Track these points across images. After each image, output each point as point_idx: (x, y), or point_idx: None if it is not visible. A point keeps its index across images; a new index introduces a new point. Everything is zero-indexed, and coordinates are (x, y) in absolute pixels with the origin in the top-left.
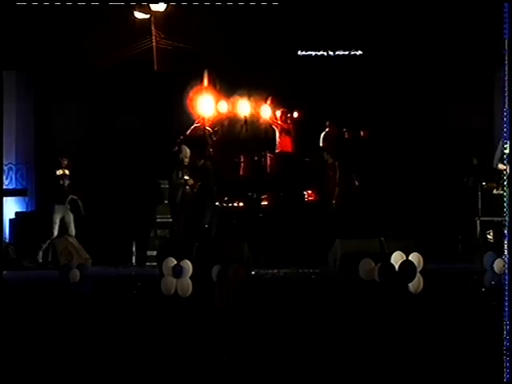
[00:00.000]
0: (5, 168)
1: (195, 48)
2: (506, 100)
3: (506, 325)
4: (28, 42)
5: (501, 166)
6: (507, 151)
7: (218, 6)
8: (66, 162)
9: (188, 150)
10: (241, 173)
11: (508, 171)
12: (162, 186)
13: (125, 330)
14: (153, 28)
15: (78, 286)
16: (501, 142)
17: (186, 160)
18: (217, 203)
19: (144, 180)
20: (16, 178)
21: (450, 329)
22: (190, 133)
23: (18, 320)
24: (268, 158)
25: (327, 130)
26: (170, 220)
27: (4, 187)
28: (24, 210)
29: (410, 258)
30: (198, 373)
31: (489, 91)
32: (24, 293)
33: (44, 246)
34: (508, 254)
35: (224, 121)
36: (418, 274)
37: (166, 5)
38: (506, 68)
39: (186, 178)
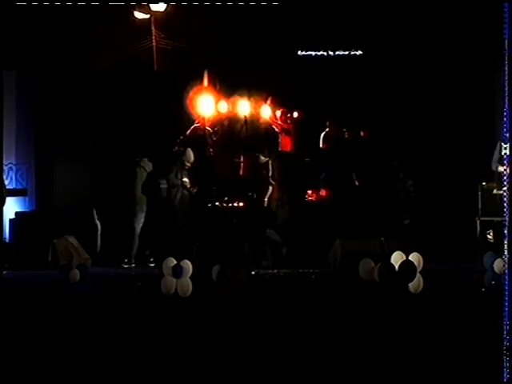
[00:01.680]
0: (5, 168)
1: (195, 48)
2: (506, 100)
3: (506, 325)
4: (28, 42)
5: (500, 169)
6: (507, 152)
7: (218, 6)
8: None
9: (192, 155)
10: (241, 173)
11: (508, 172)
12: (162, 186)
13: (125, 330)
14: (153, 28)
15: (77, 286)
16: (498, 144)
17: (188, 164)
18: (217, 203)
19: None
20: (16, 178)
21: (450, 329)
22: (189, 133)
23: (18, 320)
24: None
25: (327, 129)
26: (170, 220)
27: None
28: (24, 209)
29: (409, 258)
30: (198, 373)
31: (489, 91)
32: (24, 293)
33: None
34: (508, 254)
35: (224, 121)
36: (418, 274)
37: (165, 5)
38: (506, 68)
39: (185, 179)
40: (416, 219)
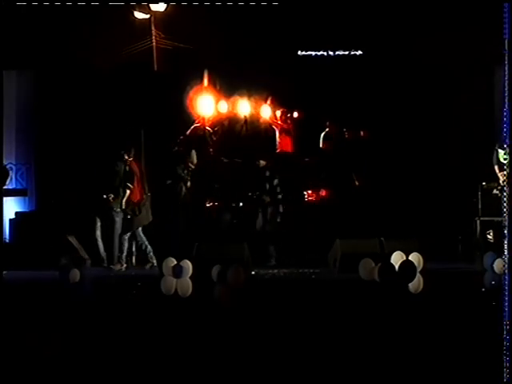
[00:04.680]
0: None
1: (195, 48)
2: (506, 100)
3: (506, 325)
4: (28, 41)
5: (497, 172)
6: (506, 157)
7: (218, 5)
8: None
9: (195, 157)
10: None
11: (508, 173)
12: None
13: (125, 330)
14: (153, 28)
15: (77, 286)
16: (495, 150)
17: (192, 166)
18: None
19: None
20: (16, 178)
21: (450, 329)
22: (189, 133)
23: (17, 320)
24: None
25: (327, 129)
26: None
27: (4, 187)
28: (24, 210)
29: (409, 258)
30: (198, 373)
31: (489, 91)
32: (24, 293)
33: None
34: (508, 254)
35: (224, 121)
36: (418, 274)
37: (165, 5)
38: (506, 68)
39: (187, 179)
40: (416, 219)
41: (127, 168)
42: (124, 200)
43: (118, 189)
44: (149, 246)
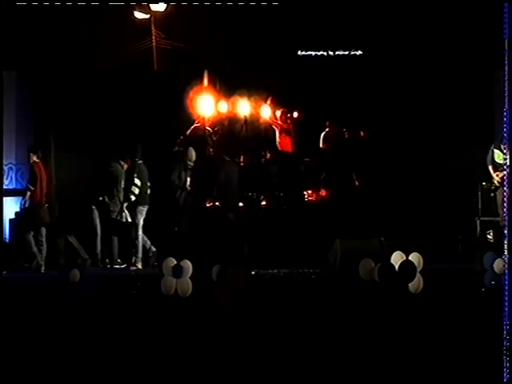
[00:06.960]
0: (5, 168)
1: (195, 48)
2: (506, 100)
3: (506, 325)
4: (28, 42)
5: (492, 171)
6: (506, 158)
7: (218, 6)
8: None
9: (194, 154)
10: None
11: (507, 174)
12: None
13: (125, 330)
14: (153, 28)
15: (77, 286)
16: (491, 150)
17: (191, 164)
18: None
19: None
20: (16, 178)
21: (450, 329)
22: (189, 133)
23: (18, 320)
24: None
25: (327, 130)
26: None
27: (4, 187)
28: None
29: (409, 258)
30: (198, 373)
31: (489, 91)
32: (24, 293)
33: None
34: (508, 254)
35: (224, 121)
36: (418, 274)
37: (165, 5)
38: (506, 68)
39: (188, 179)
40: (416, 219)
41: (31, 170)
42: (25, 200)
43: (112, 190)
44: (44, 248)
